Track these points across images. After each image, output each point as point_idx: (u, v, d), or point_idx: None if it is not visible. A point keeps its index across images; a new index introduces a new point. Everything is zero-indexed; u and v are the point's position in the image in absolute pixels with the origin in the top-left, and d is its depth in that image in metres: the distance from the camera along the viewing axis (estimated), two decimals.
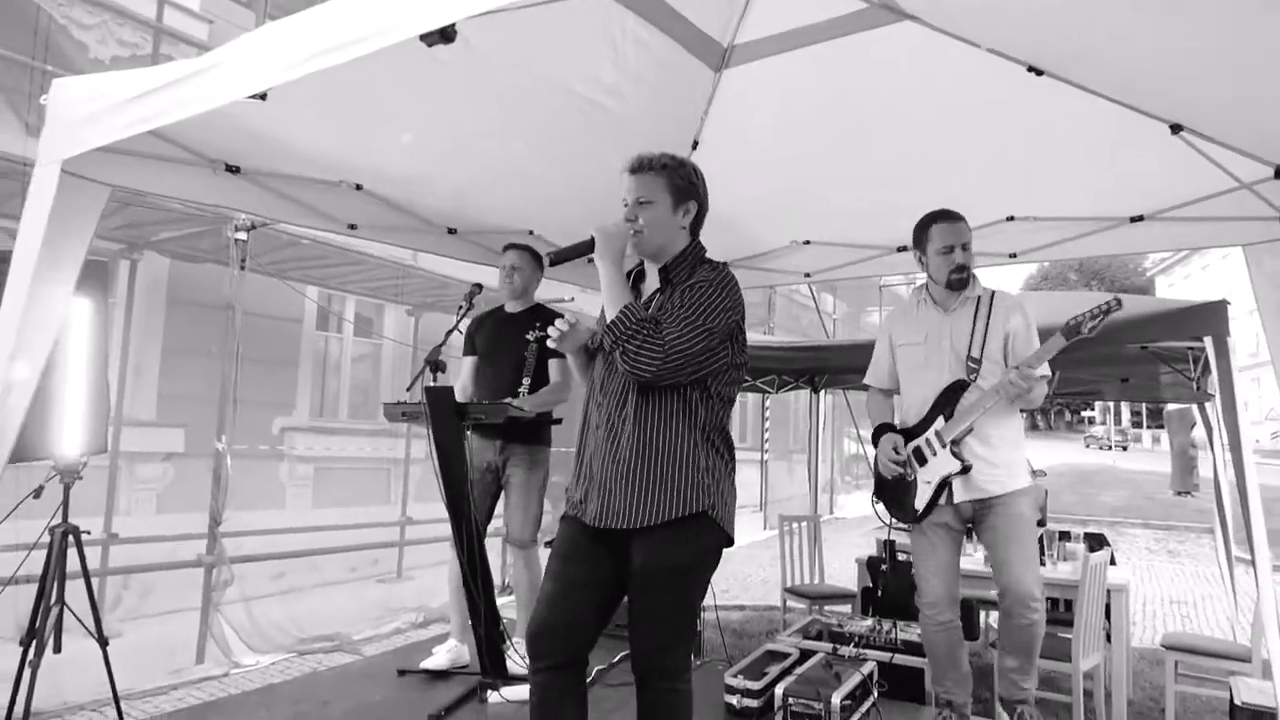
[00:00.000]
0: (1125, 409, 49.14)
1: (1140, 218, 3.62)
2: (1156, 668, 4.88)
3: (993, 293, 3.10)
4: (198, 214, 5.24)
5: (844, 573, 7.33)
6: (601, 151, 3.83)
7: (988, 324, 3.01)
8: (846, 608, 5.83)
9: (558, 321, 2.20)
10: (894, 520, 3.16)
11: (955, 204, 4.02)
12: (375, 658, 4.19)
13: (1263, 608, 3.09)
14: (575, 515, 2.16)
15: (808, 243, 4.49)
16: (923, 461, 2.99)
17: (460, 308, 3.45)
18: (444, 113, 3.17)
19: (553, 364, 3.73)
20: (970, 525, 3.08)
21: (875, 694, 3.31)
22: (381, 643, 5.96)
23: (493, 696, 3.29)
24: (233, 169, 3.08)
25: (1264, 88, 2.89)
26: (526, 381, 3.68)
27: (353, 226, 3.48)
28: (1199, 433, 9.70)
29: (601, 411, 2.16)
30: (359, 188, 3.42)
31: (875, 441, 3.14)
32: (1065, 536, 5.02)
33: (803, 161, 3.98)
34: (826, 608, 5.84)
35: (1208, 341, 3.39)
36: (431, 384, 3.16)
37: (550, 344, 2.22)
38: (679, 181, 2.20)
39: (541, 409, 3.54)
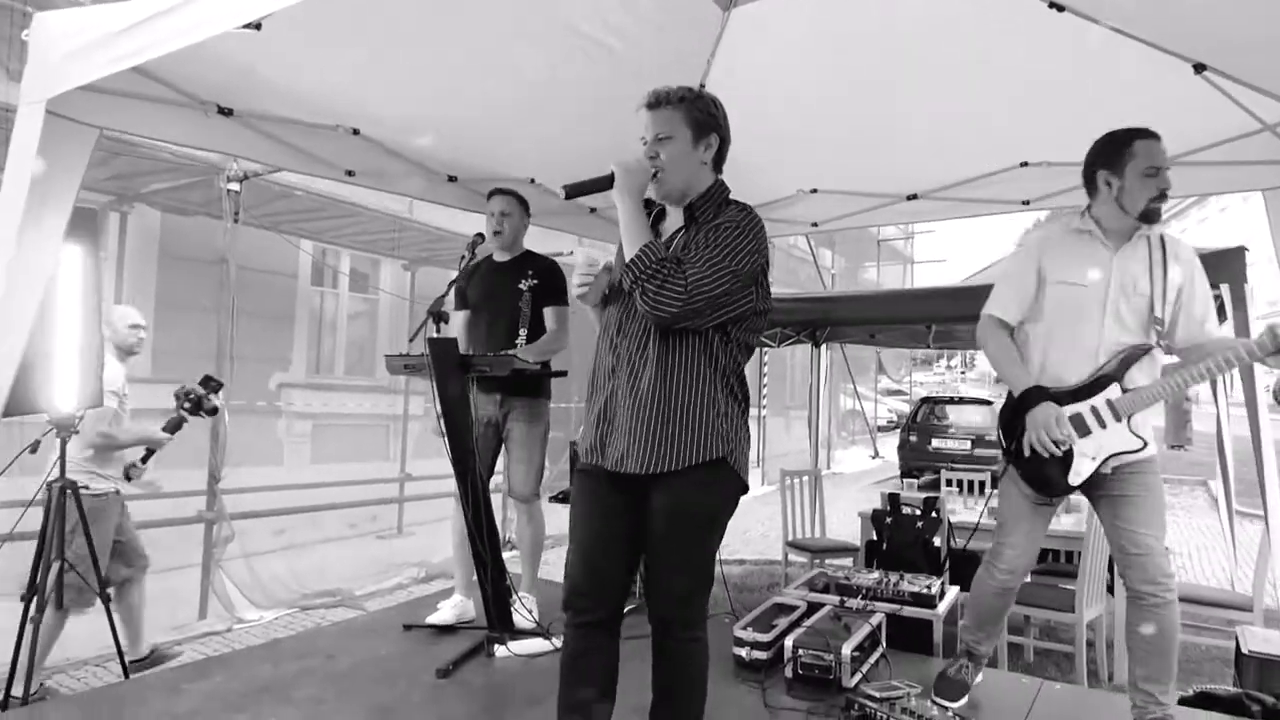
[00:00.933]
0: None
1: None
2: None
3: (1162, 234, 2.62)
4: (188, 164, 5.11)
5: (842, 527, 7.35)
6: (606, 95, 3.71)
7: (1165, 274, 2.53)
8: (848, 561, 5.86)
9: (577, 274, 2.11)
10: (1030, 491, 2.69)
11: (967, 150, 3.94)
12: (379, 613, 4.18)
13: (1276, 559, 3.07)
14: (592, 464, 2.10)
15: (814, 191, 4.39)
16: (1084, 432, 2.54)
17: (463, 258, 3.35)
18: (444, 52, 3.05)
19: (548, 312, 3.65)
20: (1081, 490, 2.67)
21: (883, 645, 3.30)
22: (384, 598, 5.98)
23: (500, 650, 3.27)
24: (225, 111, 2.96)
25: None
26: (523, 333, 3.60)
27: (350, 173, 3.37)
28: (1195, 387, 9.72)
29: (618, 354, 2.08)
30: (356, 132, 3.31)
31: (1023, 404, 2.59)
32: None
33: (812, 105, 3.87)
34: (828, 561, 5.88)
35: (1224, 289, 3.33)
36: (435, 335, 3.09)
37: (576, 295, 2.14)
38: (698, 114, 2.11)
39: (542, 358, 3.47)
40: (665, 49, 3.52)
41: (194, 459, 5.43)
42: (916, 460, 12.47)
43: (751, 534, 8.90)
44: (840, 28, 3.52)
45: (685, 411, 2.00)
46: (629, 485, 2.04)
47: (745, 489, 2.11)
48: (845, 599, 3.61)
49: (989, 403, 12.92)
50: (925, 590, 3.58)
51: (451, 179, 3.82)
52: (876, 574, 3.87)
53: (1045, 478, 2.62)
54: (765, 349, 7.55)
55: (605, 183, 2.04)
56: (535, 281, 3.63)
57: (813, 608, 3.51)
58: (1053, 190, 3.85)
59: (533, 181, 4.09)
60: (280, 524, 6.86)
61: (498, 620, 3.33)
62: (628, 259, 1.98)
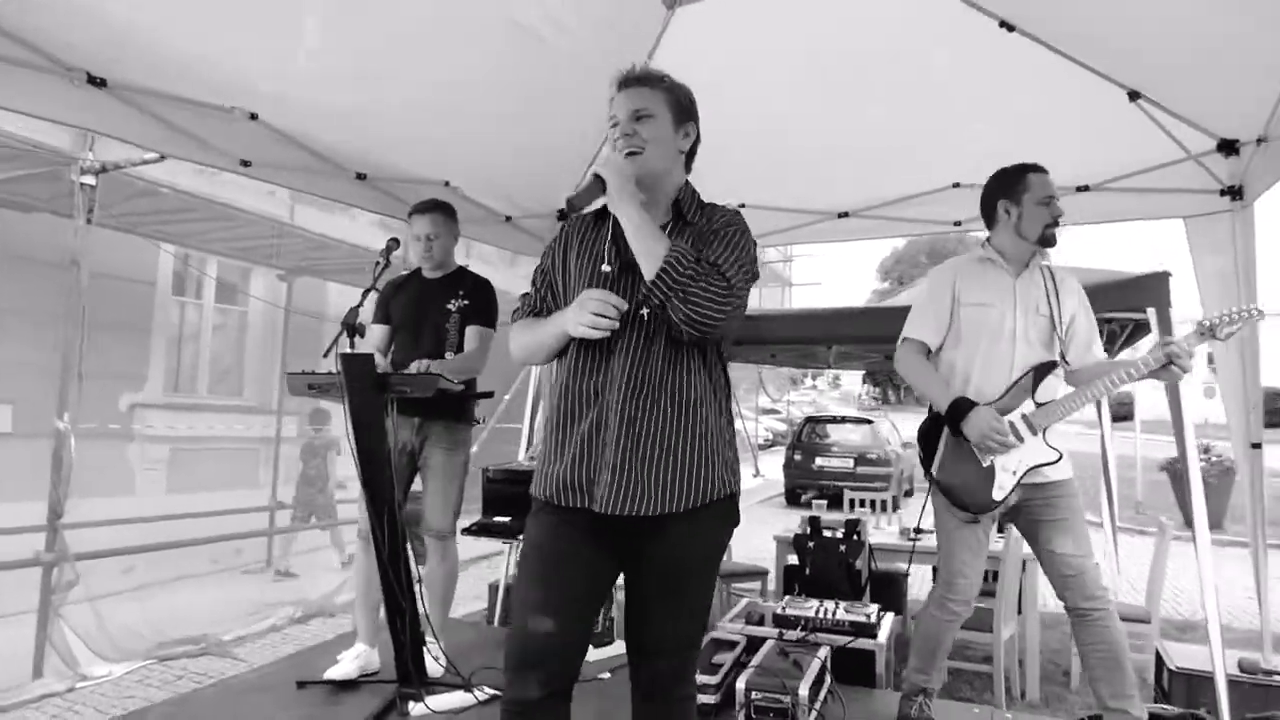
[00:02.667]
0: None
1: (1086, 188, 3.60)
2: (1048, 632, 5.02)
3: (1049, 266, 2.82)
4: (31, 152, 4.44)
5: (737, 547, 7.24)
6: (535, 94, 3.45)
7: (1060, 299, 2.72)
8: (756, 584, 5.74)
9: (594, 313, 1.67)
10: (958, 510, 2.71)
11: (901, 169, 3.90)
12: (267, 668, 3.65)
13: (1203, 576, 3.12)
14: (567, 505, 1.75)
15: (742, 205, 4.24)
16: (1015, 439, 2.62)
17: (378, 264, 2.98)
18: (361, 34, 2.70)
19: (472, 331, 3.33)
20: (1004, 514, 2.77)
21: (829, 679, 3.14)
22: (257, 643, 5.37)
23: (416, 708, 2.89)
24: (97, 81, 2.47)
25: (1217, 57, 2.87)
26: (449, 355, 3.29)
27: (246, 164, 2.92)
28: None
29: (605, 376, 1.76)
30: (254, 117, 2.88)
31: (952, 416, 2.64)
32: None
33: (744, 116, 3.72)
34: (735, 585, 5.73)
35: (1151, 313, 3.40)
36: (349, 351, 2.70)
37: (584, 331, 1.70)
38: (681, 99, 1.87)
39: (460, 377, 3.13)
40: (604, 46, 3.29)
41: (31, 490, 4.71)
42: (802, 479, 12.68)
43: None
44: (779, 39, 3.41)
45: (695, 441, 1.74)
46: (617, 531, 1.74)
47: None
48: (784, 631, 3.45)
49: (870, 422, 13.31)
50: (866, 619, 3.46)
51: (360, 177, 3.42)
52: (813, 603, 3.72)
53: (970, 496, 2.67)
54: None
55: (598, 190, 1.74)
56: (466, 302, 3.31)
57: (753, 642, 3.31)
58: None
59: (447, 184, 3.75)
60: (130, 562, 6.07)
61: (413, 672, 2.95)
62: (654, 268, 1.67)
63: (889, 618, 3.64)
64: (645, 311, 1.75)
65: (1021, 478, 2.59)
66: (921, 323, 2.81)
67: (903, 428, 13.92)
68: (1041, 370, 2.65)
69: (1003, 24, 3.04)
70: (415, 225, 3.29)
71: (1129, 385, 2.63)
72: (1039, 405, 2.63)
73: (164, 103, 2.65)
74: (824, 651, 3.14)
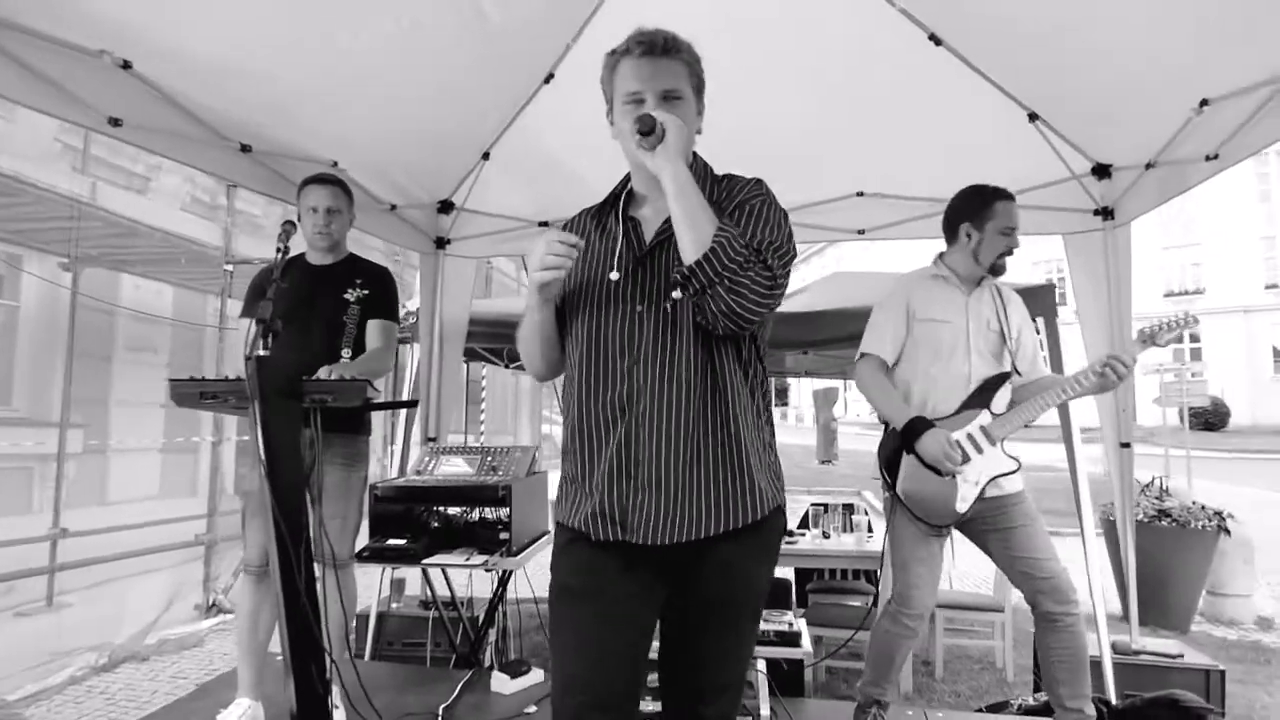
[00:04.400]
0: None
1: None
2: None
3: (996, 285, 2.91)
4: None
5: None
6: (437, 70, 3.12)
7: (1008, 314, 2.83)
8: None
9: (546, 252, 1.48)
10: (921, 523, 2.73)
11: (810, 172, 3.90)
12: None
13: (1091, 572, 3.38)
14: (599, 537, 1.52)
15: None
16: (964, 459, 2.66)
17: (279, 250, 2.51)
18: None
19: (377, 326, 2.95)
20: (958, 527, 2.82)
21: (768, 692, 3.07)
22: (54, 701, 4.48)
23: None
24: None
25: (1104, 88, 3.12)
26: (347, 352, 2.89)
27: (115, 122, 2.35)
28: (839, 409, 11.16)
29: (631, 384, 1.54)
30: (127, 66, 2.34)
31: (908, 436, 2.67)
32: (850, 509, 5.26)
33: None
34: None
35: (1040, 323, 3.63)
36: (262, 353, 2.25)
37: (539, 281, 1.53)
38: (700, 74, 1.69)
39: (372, 379, 2.75)
40: (530, 18, 3.03)
41: None
42: None
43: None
44: (701, 26, 3.30)
45: (738, 450, 1.54)
46: (657, 562, 1.52)
47: None
48: None
49: None
50: (788, 628, 3.43)
51: (245, 149, 2.90)
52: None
53: (934, 508, 2.70)
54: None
55: (641, 128, 1.49)
56: (365, 292, 2.91)
57: None
58: (884, 222, 3.96)
59: (335, 165, 3.31)
60: None
61: None
62: (699, 248, 1.45)
63: (800, 622, 3.63)
64: (669, 305, 1.55)
65: (984, 488, 2.65)
66: (879, 338, 2.83)
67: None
68: (996, 382, 2.74)
69: (931, 37, 3.14)
70: (310, 197, 2.86)
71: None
72: (995, 416, 2.69)
73: (16, 37, 2.07)
74: (761, 664, 3.07)
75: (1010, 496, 2.69)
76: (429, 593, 4.18)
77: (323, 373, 2.58)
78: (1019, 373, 2.80)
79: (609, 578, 1.53)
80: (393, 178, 3.69)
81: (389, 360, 2.97)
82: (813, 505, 5.54)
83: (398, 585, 4.50)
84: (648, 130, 1.48)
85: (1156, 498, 6.16)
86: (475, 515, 3.77)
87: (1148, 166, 3.26)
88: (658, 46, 1.61)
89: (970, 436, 2.67)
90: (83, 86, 2.25)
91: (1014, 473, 2.68)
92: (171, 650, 5.36)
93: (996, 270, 2.82)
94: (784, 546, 4.32)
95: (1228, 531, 5.95)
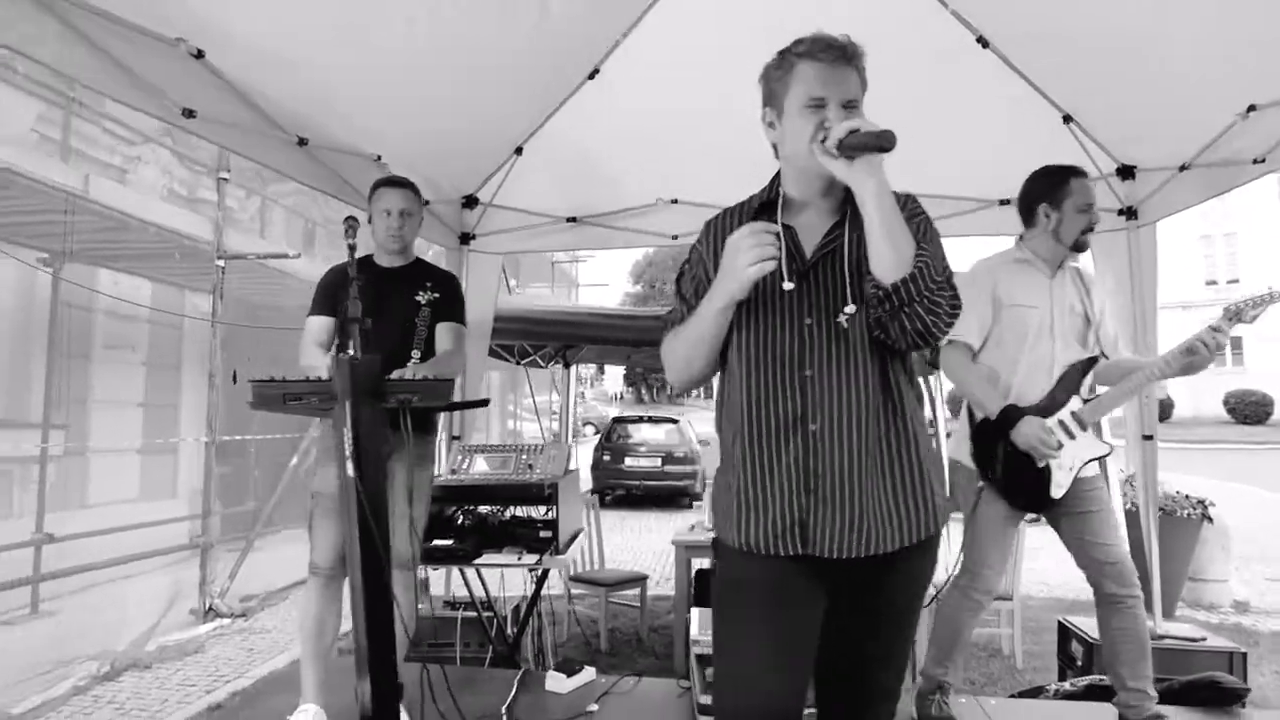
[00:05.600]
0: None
1: (1007, 201, 3.86)
2: None
3: (1077, 268, 2.89)
4: None
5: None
6: (474, 65, 3.09)
7: (1090, 296, 2.83)
8: (635, 591, 5.64)
9: (754, 245, 1.44)
10: (1017, 509, 2.78)
11: None
12: None
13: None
14: (776, 552, 1.51)
15: (675, 201, 4.12)
16: (1058, 445, 2.65)
17: (352, 248, 2.46)
18: None
19: (448, 329, 2.92)
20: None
21: None
22: (60, 712, 4.32)
23: None
24: None
25: (1133, 89, 3.22)
26: (416, 354, 2.86)
27: (189, 114, 2.26)
28: None
29: (806, 394, 1.53)
30: (200, 55, 2.27)
31: (1002, 424, 2.66)
32: None
33: (692, 111, 3.61)
34: (616, 593, 5.60)
35: None
36: (352, 353, 2.21)
37: (749, 273, 1.45)
38: (865, 81, 1.64)
39: (446, 378, 2.72)
40: (584, 13, 3.00)
41: None
42: (610, 479, 12.74)
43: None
44: (739, 34, 3.30)
45: (919, 461, 1.55)
46: (832, 573, 1.52)
47: None
48: None
49: (675, 421, 13.64)
50: None
51: (302, 142, 2.82)
52: None
53: (1028, 494, 2.73)
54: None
55: (887, 142, 1.42)
56: (436, 295, 2.88)
57: None
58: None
59: (379, 159, 3.25)
60: None
61: None
62: (903, 266, 1.44)
63: None
64: (842, 319, 1.55)
65: (1077, 473, 2.68)
66: (965, 324, 2.73)
67: (697, 427, 14.48)
68: (1084, 367, 2.74)
69: (980, 39, 3.20)
70: (385, 199, 2.81)
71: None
72: (1086, 401, 2.72)
73: (99, 23, 1.99)
74: None
75: (1087, 480, 2.72)
76: (452, 592, 4.14)
77: (402, 374, 2.54)
78: (1106, 356, 2.82)
79: (784, 589, 1.53)
80: (426, 172, 3.64)
81: (461, 362, 2.94)
82: None
83: (422, 585, 4.44)
84: (865, 145, 1.44)
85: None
86: (508, 514, 3.75)
87: (1181, 169, 3.35)
88: (845, 54, 1.57)
89: (1062, 423, 2.69)
90: (160, 76, 2.17)
91: (1107, 456, 2.72)
92: (173, 657, 5.21)
93: (1080, 247, 2.79)
94: None
95: (1210, 520, 6.20)
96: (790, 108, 1.56)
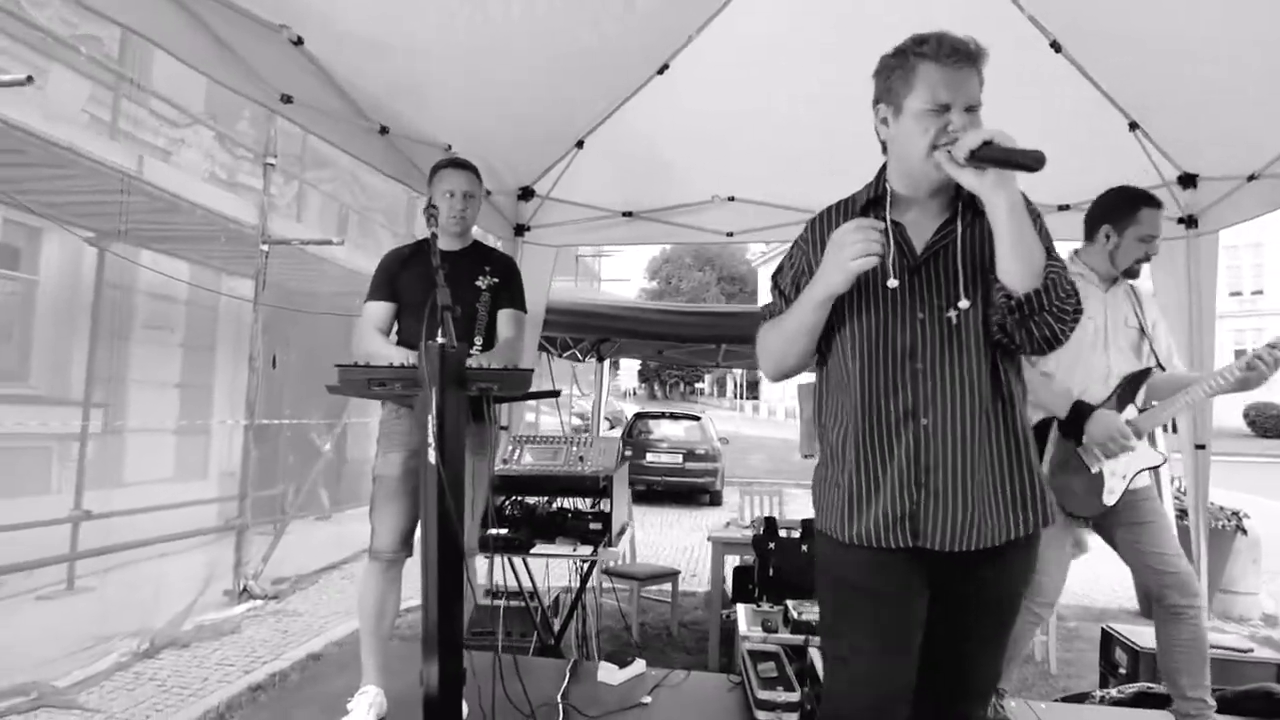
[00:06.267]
0: (730, 381, 56.23)
1: (1066, 207, 3.87)
2: None
3: (1130, 284, 2.94)
4: None
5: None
6: (544, 57, 3.10)
7: (1144, 310, 2.88)
8: (667, 585, 5.66)
9: (861, 239, 1.47)
10: (1069, 517, 2.77)
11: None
12: None
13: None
14: (887, 545, 1.54)
15: (731, 199, 4.13)
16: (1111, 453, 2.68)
17: (434, 234, 2.48)
18: None
19: (509, 315, 2.93)
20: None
21: None
22: (104, 686, 4.38)
23: None
24: None
25: (1203, 98, 3.21)
26: (479, 341, 2.86)
27: (287, 99, 2.30)
28: None
29: (916, 389, 1.55)
30: (299, 42, 2.30)
31: (1076, 418, 2.68)
32: None
33: (755, 110, 3.63)
34: (646, 589, 5.64)
35: None
36: (441, 341, 2.23)
37: (854, 267, 1.48)
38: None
39: (511, 366, 2.75)
40: (660, 8, 3.01)
41: None
42: (632, 474, 12.72)
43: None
44: (809, 35, 3.32)
45: (1028, 456, 1.58)
46: (940, 566, 1.55)
47: None
48: (810, 638, 3.38)
49: (698, 418, 13.65)
50: None
51: (383, 130, 2.85)
52: (807, 604, 3.70)
53: (1080, 496, 2.74)
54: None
55: (1034, 161, 1.40)
56: (495, 280, 2.88)
57: (788, 650, 3.23)
58: None
59: (449, 148, 3.27)
60: None
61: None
62: (1034, 276, 1.46)
63: None
64: (953, 315, 1.57)
65: (1130, 482, 2.70)
66: None
67: (719, 424, 14.52)
68: (1139, 378, 2.77)
69: (1053, 44, 3.19)
70: (447, 180, 2.79)
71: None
72: (1140, 411, 2.74)
73: (211, 7, 2.01)
74: None
75: (1141, 491, 2.74)
76: (493, 582, 4.17)
77: (475, 361, 2.56)
78: (1162, 368, 2.85)
79: (896, 577, 1.56)
80: (491, 162, 3.67)
81: (523, 349, 2.96)
82: None
83: None
84: (1008, 162, 1.42)
85: (1176, 498, 6.35)
86: (554, 505, 3.78)
87: (1250, 178, 3.34)
88: (970, 56, 1.55)
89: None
90: (260, 61, 2.20)
91: (1161, 466, 2.75)
92: (209, 636, 5.27)
93: (1131, 274, 2.88)
94: None
95: (1245, 531, 6.17)
96: (909, 108, 1.56)
